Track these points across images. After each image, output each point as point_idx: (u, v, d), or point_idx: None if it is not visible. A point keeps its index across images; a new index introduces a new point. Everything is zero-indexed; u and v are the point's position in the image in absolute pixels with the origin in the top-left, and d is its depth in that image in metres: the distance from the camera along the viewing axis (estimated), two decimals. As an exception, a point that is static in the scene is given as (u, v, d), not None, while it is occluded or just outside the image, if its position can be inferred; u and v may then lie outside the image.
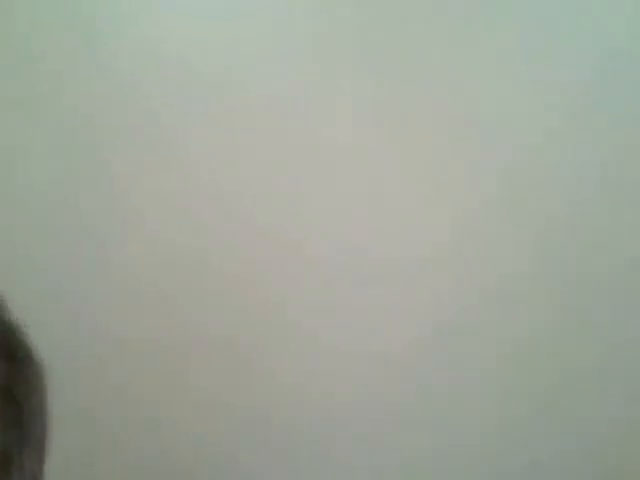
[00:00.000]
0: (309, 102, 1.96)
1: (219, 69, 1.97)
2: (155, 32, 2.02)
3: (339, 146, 1.93)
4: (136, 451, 1.98)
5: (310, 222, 1.94)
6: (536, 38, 1.85)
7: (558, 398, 1.83)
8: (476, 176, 1.88)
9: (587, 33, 1.85)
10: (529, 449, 1.83)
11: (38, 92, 2.04)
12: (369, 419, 1.90)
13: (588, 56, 1.84)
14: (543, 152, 1.86)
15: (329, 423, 1.92)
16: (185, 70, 1.98)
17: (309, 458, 1.93)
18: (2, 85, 2.06)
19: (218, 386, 1.96)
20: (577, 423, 1.82)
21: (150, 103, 1.99)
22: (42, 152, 2.05)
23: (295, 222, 1.94)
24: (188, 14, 2.00)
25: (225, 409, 1.95)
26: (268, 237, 1.94)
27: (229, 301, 1.96)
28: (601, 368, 1.82)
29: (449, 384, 1.86)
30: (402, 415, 1.88)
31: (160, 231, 1.98)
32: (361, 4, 1.92)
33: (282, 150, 1.95)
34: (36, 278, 2.04)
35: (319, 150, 1.95)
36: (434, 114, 1.88)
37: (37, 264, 2.04)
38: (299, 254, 1.93)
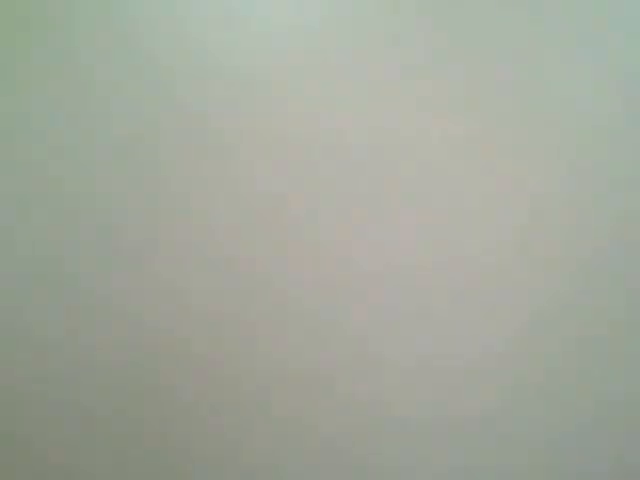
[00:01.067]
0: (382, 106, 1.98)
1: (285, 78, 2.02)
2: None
3: (406, 145, 1.95)
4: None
5: (385, 229, 1.97)
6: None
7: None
8: (547, 175, 1.89)
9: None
10: (618, 450, 1.86)
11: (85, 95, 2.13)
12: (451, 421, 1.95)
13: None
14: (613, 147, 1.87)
15: (410, 429, 1.97)
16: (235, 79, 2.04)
17: (386, 459, 1.98)
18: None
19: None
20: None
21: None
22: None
23: (371, 230, 1.98)
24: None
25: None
26: (341, 246, 1.99)
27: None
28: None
29: (534, 387, 1.90)
30: (484, 421, 1.93)
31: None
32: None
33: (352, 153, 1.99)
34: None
35: (389, 151, 1.96)
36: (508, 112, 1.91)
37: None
38: (379, 260, 1.97)
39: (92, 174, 2.11)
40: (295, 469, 1.99)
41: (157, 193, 2.07)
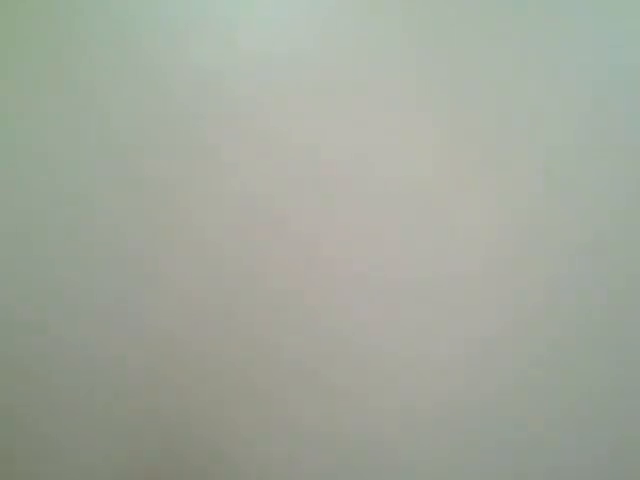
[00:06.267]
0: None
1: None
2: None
3: (385, 155, 1.94)
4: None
5: (377, 232, 1.97)
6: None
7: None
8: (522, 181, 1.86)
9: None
10: (610, 446, 1.84)
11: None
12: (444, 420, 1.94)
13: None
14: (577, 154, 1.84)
15: (405, 428, 1.96)
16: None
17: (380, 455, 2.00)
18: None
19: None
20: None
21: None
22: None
23: (361, 232, 1.97)
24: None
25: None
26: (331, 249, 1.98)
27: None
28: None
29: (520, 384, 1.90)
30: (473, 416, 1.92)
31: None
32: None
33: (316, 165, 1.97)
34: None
35: (366, 157, 1.96)
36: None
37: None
38: (374, 261, 1.96)
39: (91, 176, 2.09)
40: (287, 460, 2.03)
41: (155, 193, 2.06)
